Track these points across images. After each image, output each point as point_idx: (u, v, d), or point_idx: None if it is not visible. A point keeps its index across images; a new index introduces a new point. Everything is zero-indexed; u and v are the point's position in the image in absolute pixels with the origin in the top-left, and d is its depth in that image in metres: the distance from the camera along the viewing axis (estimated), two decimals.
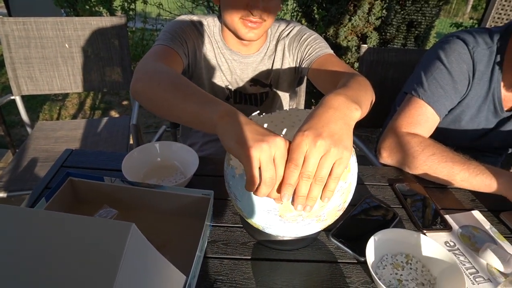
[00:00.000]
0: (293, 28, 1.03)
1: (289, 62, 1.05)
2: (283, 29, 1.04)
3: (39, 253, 0.31)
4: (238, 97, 1.06)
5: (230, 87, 1.04)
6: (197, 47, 0.97)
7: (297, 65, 1.04)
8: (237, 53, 1.00)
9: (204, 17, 1.00)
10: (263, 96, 1.07)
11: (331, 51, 0.98)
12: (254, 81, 1.04)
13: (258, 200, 0.54)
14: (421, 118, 0.93)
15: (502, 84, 0.95)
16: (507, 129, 1.03)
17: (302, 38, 1.00)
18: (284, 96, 1.13)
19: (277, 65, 1.05)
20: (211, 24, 0.99)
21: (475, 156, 0.87)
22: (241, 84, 1.04)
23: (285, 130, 0.62)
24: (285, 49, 1.03)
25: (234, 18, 0.87)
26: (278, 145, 0.46)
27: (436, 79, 0.94)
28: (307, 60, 0.98)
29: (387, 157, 0.94)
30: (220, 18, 0.99)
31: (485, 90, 0.96)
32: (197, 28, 0.97)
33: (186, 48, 0.92)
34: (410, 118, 0.94)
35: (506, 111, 1.00)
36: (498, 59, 0.92)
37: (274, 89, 1.08)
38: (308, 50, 0.99)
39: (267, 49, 1.03)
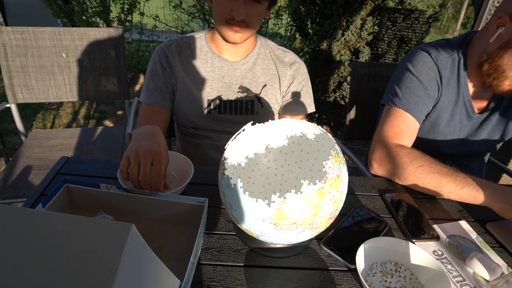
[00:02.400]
0: (298, 62, 1.13)
1: (282, 87, 1.12)
2: (283, 54, 1.12)
3: (39, 252, 0.32)
4: (223, 106, 1.09)
5: (216, 97, 1.08)
6: (176, 73, 1.05)
7: (284, 95, 1.14)
8: (225, 60, 1.06)
9: (187, 36, 1.08)
10: (248, 104, 1.10)
11: (309, 110, 1.17)
12: (243, 88, 1.09)
13: (254, 210, 0.55)
14: (403, 126, 0.98)
15: (470, 87, 1.02)
16: (483, 133, 1.08)
17: (304, 86, 1.14)
18: (273, 116, 1.15)
19: (271, 82, 1.10)
20: (197, 40, 1.08)
21: (460, 162, 0.90)
22: (229, 91, 1.08)
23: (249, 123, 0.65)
24: (287, 75, 1.11)
25: (221, 21, 0.95)
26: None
27: (408, 88, 1.01)
28: (291, 108, 1.14)
29: (378, 168, 0.97)
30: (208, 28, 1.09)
31: (454, 94, 1.02)
32: (170, 58, 1.05)
33: (166, 88, 1.07)
34: (394, 128, 0.99)
35: (478, 113, 1.05)
36: (462, 65, 1.00)
37: (263, 103, 1.11)
38: (298, 101, 1.13)
39: (256, 59, 1.09)
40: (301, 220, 0.55)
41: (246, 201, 0.56)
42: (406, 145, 0.96)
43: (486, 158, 1.24)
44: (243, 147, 0.60)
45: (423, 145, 0.99)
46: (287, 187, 0.54)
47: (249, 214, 0.57)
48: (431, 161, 0.89)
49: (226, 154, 0.62)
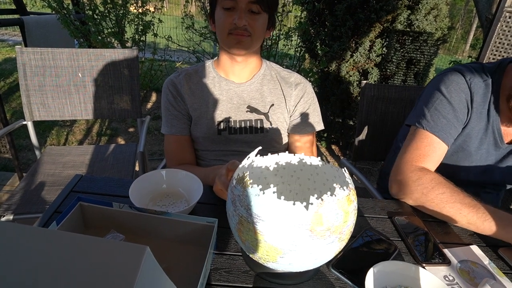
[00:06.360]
0: (303, 82, 1.16)
1: (289, 107, 1.15)
2: (288, 75, 1.16)
3: (52, 272, 0.33)
4: (233, 127, 1.11)
5: (225, 118, 1.11)
6: (186, 100, 1.10)
7: (291, 115, 1.16)
8: (232, 82, 1.11)
9: (195, 65, 1.15)
10: (257, 123, 1.12)
11: (318, 128, 1.19)
12: (251, 108, 1.12)
13: (289, 215, 0.54)
14: (429, 149, 0.96)
15: (500, 115, 0.98)
16: (508, 163, 1.05)
17: (311, 105, 1.17)
18: (282, 134, 1.17)
19: (278, 101, 1.13)
20: (204, 67, 1.13)
21: (477, 191, 0.87)
22: (238, 111, 1.11)
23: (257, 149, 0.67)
24: (293, 95, 1.14)
25: (224, 35, 0.99)
26: None
27: (437, 110, 0.98)
28: (300, 127, 1.16)
29: (398, 191, 0.95)
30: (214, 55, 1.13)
31: (484, 122, 0.99)
32: (179, 87, 1.10)
33: (182, 115, 1.12)
34: (418, 150, 0.96)
35: (507, 143, 1.02)
36: (495, 93, 0.96)
37: (272, 122, 1.13)
38: (306, 120, 1.16)
39: (263, 80, 1.13)
40: (334, 227, 0.55)
41: (282, 206, 0.54)
42: (430, 169, 0.94)
43: (502, 193, 1.20)
44: (267, 160, 0.61)
45: (447, 170, 0.96)
46: (321, 189, 0.55)
47: (283, 221, 0.54)
48: (454, 189, 0.87)
49: (247, 168, 0.64)
